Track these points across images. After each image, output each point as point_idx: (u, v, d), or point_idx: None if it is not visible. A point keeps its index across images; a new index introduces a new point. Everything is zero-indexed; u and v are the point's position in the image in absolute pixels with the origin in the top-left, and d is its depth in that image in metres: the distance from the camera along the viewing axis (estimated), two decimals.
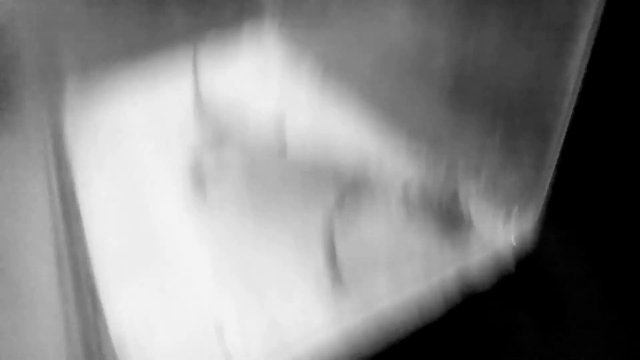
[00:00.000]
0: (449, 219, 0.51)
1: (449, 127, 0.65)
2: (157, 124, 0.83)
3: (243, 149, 0.65)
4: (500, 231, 0.57)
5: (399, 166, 0.52)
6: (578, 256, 0.58)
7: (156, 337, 0.51)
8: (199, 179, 0.70)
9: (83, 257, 0.61)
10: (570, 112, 0.49)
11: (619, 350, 0.50)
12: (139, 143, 0.80)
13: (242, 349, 0.49)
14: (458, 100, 0.63)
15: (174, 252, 0.60)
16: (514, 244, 0.56)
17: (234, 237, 0.61)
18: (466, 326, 0.53)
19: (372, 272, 0.55)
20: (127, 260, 0.60)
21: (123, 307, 0.54)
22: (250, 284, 0.55)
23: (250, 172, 0.63)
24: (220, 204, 0.66)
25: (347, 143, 0.70)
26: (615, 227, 0.59)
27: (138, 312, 0.53)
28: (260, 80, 0.89)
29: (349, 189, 0.56)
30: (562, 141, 0.51)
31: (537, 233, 0.56)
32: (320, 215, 0.58)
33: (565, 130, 0.50)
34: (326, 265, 0.54)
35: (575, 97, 0.48)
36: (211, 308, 0.53)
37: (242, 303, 0.53)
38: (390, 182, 0.52)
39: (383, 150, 0.71)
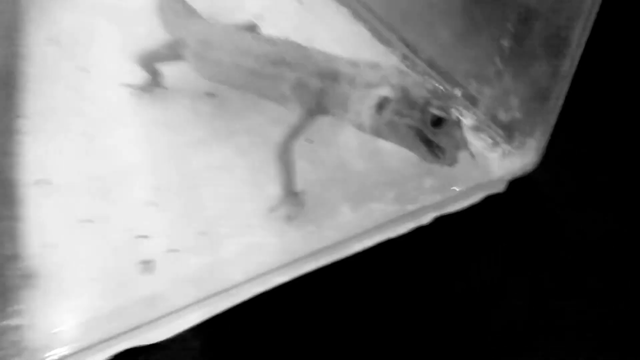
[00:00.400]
0: (428, 149, 0.41)
1: (453, 38, 0.55)
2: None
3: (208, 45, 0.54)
4: (494, 166, 0.48)
5: (381, 77, 0.42)
6: (571, 191, 0.50)
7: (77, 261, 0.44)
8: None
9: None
10: (586, 34, 0.38)
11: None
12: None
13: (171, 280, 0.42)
14: (464, 8, 0.52)
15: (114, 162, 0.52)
16: (508, 179, 0.47)
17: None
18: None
19: (337, 197, 0.47)
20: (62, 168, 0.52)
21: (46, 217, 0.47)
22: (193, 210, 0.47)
23: (211, 72, 0.53)
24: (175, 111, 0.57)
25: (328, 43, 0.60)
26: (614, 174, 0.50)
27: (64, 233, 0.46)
28: None
29: (320, 96, 0.45)
30: (574, 69, 0.40)
31: (533, 170, 0.47)
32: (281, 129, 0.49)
33: (578, 56, 0.40)
34: (283, 189, 0.46)
35: (591, 18, 0.37)
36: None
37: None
38: (366, 93, 0.42)
39: (369, 56, 0.61)
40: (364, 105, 0.42)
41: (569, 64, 0.39)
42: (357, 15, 0.69)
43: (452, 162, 0.41)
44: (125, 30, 0.71)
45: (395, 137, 0.41)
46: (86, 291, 0.42)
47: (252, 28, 0.61)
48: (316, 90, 0.45)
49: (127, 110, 0.59)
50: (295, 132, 0.46)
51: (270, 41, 0.49)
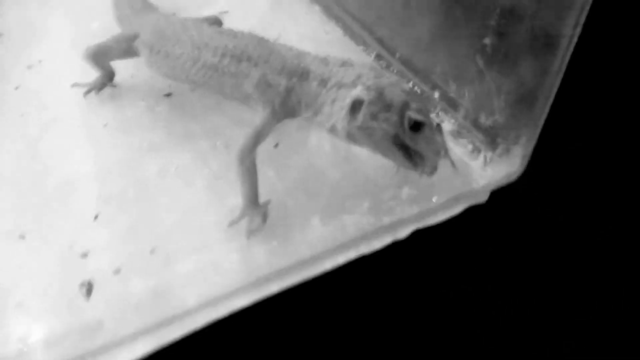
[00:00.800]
0: (406, 155, 0.37)
1: (430, 35, 0.51)
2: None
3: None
4: (476, 175, 0.44)
5: (355, 77, 0.37)
6: (558, 202, 0.46)
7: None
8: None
9: None
10: (577, 30, 0.35)
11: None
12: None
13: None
14: (442, 3, 0.48)
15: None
16: (491, 189, 0.43)
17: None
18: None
19: (305, 209, 0.42)
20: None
21: None
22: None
23: (166, 67, 0.48)
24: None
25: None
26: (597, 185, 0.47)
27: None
28: None
29: (286, 96, 0.40)
30: (563, 69, 0.37)
31: (518, 179, 0.43)
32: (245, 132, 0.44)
33: (568, 55, 0.36)
34: (244, 200, 0.41)
35: (583, 13, 0.34)
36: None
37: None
38: (338, 94, 0.38)
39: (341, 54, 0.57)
40: (335, 107, 0.38)
41: (558, 64, 0.36)
42: (329, 13, 0.65)
43: (432, 170, 0.37)
44: (78, 25, 0.65)
45: (370, 142, 0.37)
46: (14, 319, 0.36)
47: (215, 23, 0.56)
48: (282, 90, 0.41)
49: (76, 112, 0.53)
50: (258, 136, 0.41)
51: (232, 34, 0.45)
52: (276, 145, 0.48)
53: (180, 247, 0.40)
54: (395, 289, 0.41)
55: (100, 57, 0.53)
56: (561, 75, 0.36)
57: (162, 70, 0.49)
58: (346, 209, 0.42)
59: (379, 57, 0.57)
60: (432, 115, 0.38)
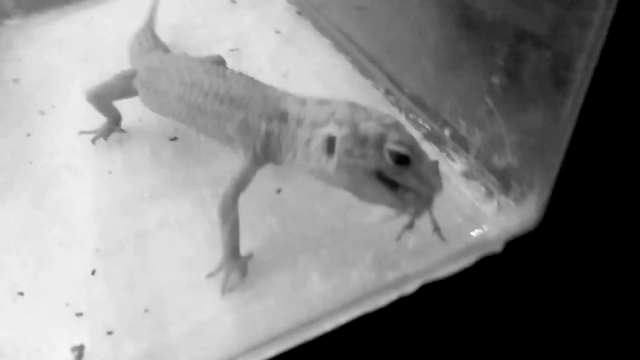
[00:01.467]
0: (393, 193, 0.33)
1: (439, 71, 0.49)
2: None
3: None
4: (489, 223, 0.41)
5: (328, 114, 0.35)
6: (578, 252, 0.42)
7: None
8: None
9: None
10: (589, 75, 0.32)
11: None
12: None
13: None
14: (450, 39, 0.46)
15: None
16: (505, 238, 0.40)
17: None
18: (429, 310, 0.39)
19: (305, 263, 0.40)
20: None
21: None
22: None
23: (156, 103, 0.48)
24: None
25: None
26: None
27: None
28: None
29: (266, 139, 0.39)
30: (577, 111, 0.34)
31: (533, 221, 0.40)
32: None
33: (582, 95, 0.33)
34: (224, 251, 0.39)
35: (594, 57, 0.31)
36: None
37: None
38: (312, 133, 0.35)
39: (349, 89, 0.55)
40: (311, 148, 0.35)
41: (569, 108, 0.33)
42: (339, 47, 0.63)
43: (426, 206, 0.34)
44: (91, 68, 0.66)
45: (352, 182, 0.34)
46: None
47: (218, 63, 0.55)
48: (262, 133, 0.39)
49: (83, 159, 0.53)
50: (239, 184, 0.40)
51: (221, 74, 0.43)
52: (279, 191, 0.46)
53: (174, 306, 0.39)
54: (401, 348, 0.38)
55: (102, 98, 0.53)
56: (574, 118, 0.33)
57: (153, 107, 0.49)
58: (348, 261, 0.40)
59: (387, 92, 0.55)
60: (418, 146, 0.34)
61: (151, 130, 0.55)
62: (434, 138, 0.49)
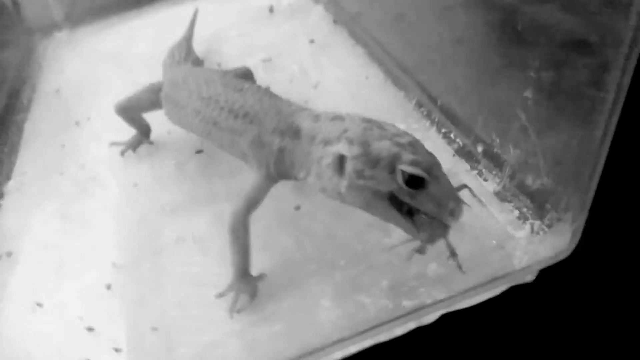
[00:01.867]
0: (407, 218, 0.30)
1: (471, 83, 0.45)
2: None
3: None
4: (520, 250, 0.38)
5: (340, 131, 0.33)
6: (619, 284, 0.38)
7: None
8: None
9: None
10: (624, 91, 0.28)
11: None
12: None
13: None
14: (483, 49, 0.43)
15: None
16: (537, 268, 0.37)
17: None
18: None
19: (317, 286, 0.38)
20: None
21: None
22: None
23: (176, 116, 0.48)
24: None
25: None
26: None
27: None
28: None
29: (279, 156, 0.37)
30: (609, 137, 0.30)
31: (567, 249, 0.36)
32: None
33: (613, 120, 0.29)
34: (234, 271, 0.38)
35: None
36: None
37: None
38: (323, 151, 0.34)
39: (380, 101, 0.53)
40: (322, 166, 0.33)
41: (602, 128, 0.29)
42: (372, 56, 0.61)
43: (441, 232, 0.31)
44: (126, 80, 0.67)
45: (363, 203, 0.32)
46: None
47: (244, 75, 0.54)
48: (275, 149, 0.37)
49: (111, 171, 0.54)
50: (251, 200, 0.38)
51: (238, 88, 0.42)
52: (297, 208, 0.45)
53: (181, 326, 0.38)
54: None
55: (129, 110, 0.54)
56: (610, 136, 0.30)
57: (174, 120, 0.49)
58: (363, 286, 0.37)
59: (419, 104, 0.52)
60: (437, 168, 0.31)
61: (178, 143, 0.55)
62: (466, 154, 0.45)
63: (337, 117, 0.35)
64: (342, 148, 0.32)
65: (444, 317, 0.36)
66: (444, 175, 0.31)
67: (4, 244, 0.48)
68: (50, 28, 0.84)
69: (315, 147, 0.34)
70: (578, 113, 0.32)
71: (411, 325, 0.36)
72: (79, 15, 0.85)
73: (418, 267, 0.38)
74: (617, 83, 0.27)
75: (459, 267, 0.35)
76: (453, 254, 0.34)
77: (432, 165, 0.31)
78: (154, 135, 0.56)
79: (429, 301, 0.36)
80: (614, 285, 0.37)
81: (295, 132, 0.36)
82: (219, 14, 0.80)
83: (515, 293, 0.37)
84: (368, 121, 0.33)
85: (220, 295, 0.38)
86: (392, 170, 0.30)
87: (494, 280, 0.36)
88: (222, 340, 0.36)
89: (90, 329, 0.39)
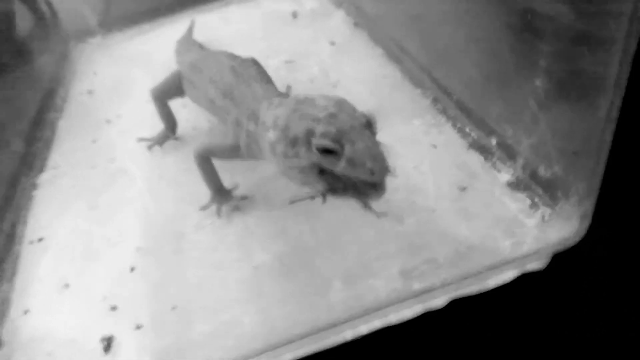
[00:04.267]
0: (341, 185, 0.32)
1: (483, 76, 0.46)
2: None
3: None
4: (531, 235, 0.38)
5: (273, 117, 0.36)
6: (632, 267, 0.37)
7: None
8: None
9: None
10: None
11: None
12: None
13: None
14: (493, 41, 0.43)
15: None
16: (548, 253, 0.37)
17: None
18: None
19: (329, 268, 0.39)
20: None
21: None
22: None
23: (193, 95, 0.53)
24: None
25: None
26: None
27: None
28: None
29: (250, 138, 0.41)
30: (613, 121, 0.30)
31: (577, 234, 0.36)
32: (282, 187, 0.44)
33: (617, 102, 0.30)
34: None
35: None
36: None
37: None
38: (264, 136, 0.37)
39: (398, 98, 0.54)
40: (267, 151, 0.37)
41: (605, 110, 0.29)
42: (390, 55, 0.62)
43: (377, 191, 0.32)
44: (155, 80, 0.70)
45: (300, 180, 0.35)
46: None
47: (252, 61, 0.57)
48: (245, 132, 0.42)
49: (138, 165, 0.56)
50: (212, 152, 0.45)
51: (237, 73, 0.47)
52: (313, 198, 0.46)
53: (200, 305, 0.39)
54: None
55: (163, 95, 0.57)
56: (612, 124, 0.30)
57: (192, 98, 0.54)
58: (374, 270, 0.38)
59: (435, 100, 0.53)
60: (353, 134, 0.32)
61: (202, 139, 0.57)
62: (480, 147, 0.46)
63: (282, 103, 0.37)
64: (271, 134, 0.35)
65: (454, 303, 0.37)
66: (366, 137, 0.32)
67: (36, 231, 0.50)
68: (84, 34, 0.88)
69: (262, 133, 0.37)
70: (583, 98, 0.32)
71: (418, 308, 0.37)
72: (112, 22, 0.89)
73: (429, 252, 0.39)
74: (618, 62, 0.27)
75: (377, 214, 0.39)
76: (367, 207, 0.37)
77: (344, 132, 0.32)
78: (179, 131, 0.58)
79: (437, 283, 0.36)
80: (625, 275, 0.37)
81: (256, 118, 0.39)
82: (244, 18, 0.83)
83: (525, 281, 0.37)
84: (302, 101, 0.35)
85: (203, 207, 0.46)
86: (309, 146, 0.33)
87: (503, 264, 0.37)
88: (239, 319, 0.38)
89: (113, 308, 0.41)
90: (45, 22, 0.88)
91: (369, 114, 0.34)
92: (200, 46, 0.66)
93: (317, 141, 0.32)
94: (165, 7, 0.90)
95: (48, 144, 0.63)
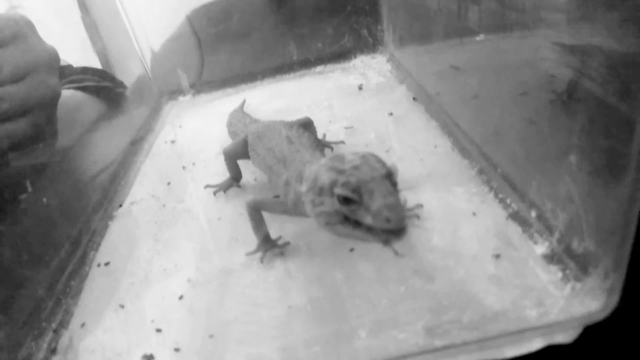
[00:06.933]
0: (361, 230, 0.37)
1: (525, 151, 0.48)
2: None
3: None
4: (558, 306, 0.38)
5: (307, 173, 0.43)
6: None
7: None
8: None
9: None
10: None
11: None
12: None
13: None
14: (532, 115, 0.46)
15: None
16: (575, 325, 0.37)
17: None
18: None
19: (356, 316, 0.41)
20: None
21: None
22: None
23: (256, 161, 0.61)
24: None
25: None
26: None
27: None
28: None
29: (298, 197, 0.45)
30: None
31: (605, 308, 0.36)
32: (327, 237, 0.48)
33: None
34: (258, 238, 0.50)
35: None
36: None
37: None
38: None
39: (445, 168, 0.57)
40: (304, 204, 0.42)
41: (630, 189, 0.30)
42: (444, 129, 0.66)
43: (399, 237, 0.36)
44: (223, 132, 0.77)
45: (327, 227, 0.40)
46: None
47: (306, 123, 0.64)
48: (295, 191, 0.45)
49: (201, 206, 0.62)
50: (263, 206, 0.50)
51: (291, 141, 0.52)
52: (352, 250, 0.48)
53: (235, 337, 0.42)
54: None
55: (231, 154, 0.63)
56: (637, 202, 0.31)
57: (253, 162, 0.60)
58: (399, 324, 0.40)
59: (481, 171, 0.55)
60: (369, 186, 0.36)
61: (261, 188, 0.62)
62: (519, 218, 0.47)
63: (312, 161, 0.45)
64: (304, 186, 0.41)
65: None
66: (385, 188, 0.36)
67: (105, 256, 0.56)
68: (176, 94, 1.00)
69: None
70: (611, 174, 0.34)
71: None
72: (202, 85, 1.01)
73: (455, 312, 0.40)
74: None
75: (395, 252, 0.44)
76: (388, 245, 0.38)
77: (363, 183, 0.36)
78: (243, 181, 0.64)
79: (459, 342, 0.37)
80: None
81: (301, 179, 0.44)
82: (317, 89, 0.91)
83: (552, 352, 0.37)
84: (334, 158, 0.41)
85: (249, 254, 0.50)
86: (333, 195, 0.37)
87: (527, 331, 0.37)
88: (267, 355, 0.40)
89: (158, 330, 0.45)
90: (145, 81, 1.01)
91: (391, 165, 0.38)
92: (250, 118, 0.73)
93: (339, 191, 0.36)
94: (248, 75, 1.00)
95: (129, 183, 0.71)
